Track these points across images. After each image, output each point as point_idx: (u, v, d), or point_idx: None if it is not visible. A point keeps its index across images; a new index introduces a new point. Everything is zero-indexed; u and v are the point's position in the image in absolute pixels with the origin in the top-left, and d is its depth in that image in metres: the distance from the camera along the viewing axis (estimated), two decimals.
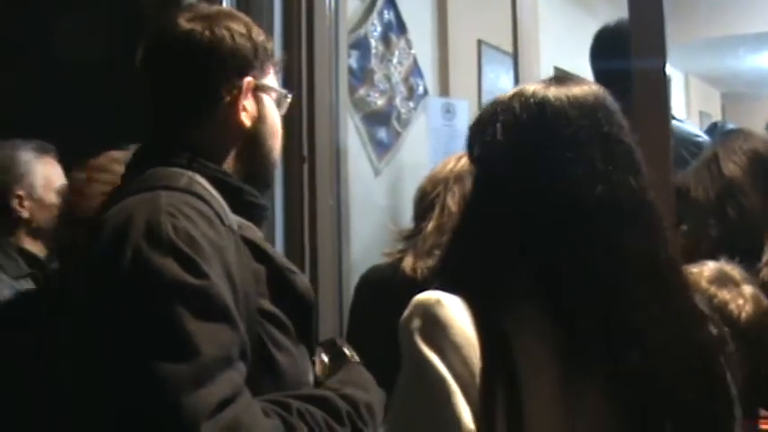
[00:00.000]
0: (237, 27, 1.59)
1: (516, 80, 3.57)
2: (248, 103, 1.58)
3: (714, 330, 1.36)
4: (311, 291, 1.55)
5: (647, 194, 1.36)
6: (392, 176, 3.41)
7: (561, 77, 1.43)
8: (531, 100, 1.35)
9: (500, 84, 3.96)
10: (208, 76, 1.57)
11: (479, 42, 3.87)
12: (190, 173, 1.49)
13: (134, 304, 1.31)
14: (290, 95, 1.69)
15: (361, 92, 3.29)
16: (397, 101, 3.44)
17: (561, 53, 4.52)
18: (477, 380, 1.25)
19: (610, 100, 1.40)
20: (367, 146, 3.32)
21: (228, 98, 1.56)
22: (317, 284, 2.95)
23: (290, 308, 1.48)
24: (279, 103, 1.66)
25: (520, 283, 1.30)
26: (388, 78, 3.40)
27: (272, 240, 2.91)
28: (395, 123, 3.42)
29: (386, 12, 3.38)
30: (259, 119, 1.60)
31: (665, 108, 2.13)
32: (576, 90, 1.37)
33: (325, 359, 1.60)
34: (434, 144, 3.43)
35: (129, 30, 2.59)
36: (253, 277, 1.44)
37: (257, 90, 1.60)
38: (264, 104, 1.61)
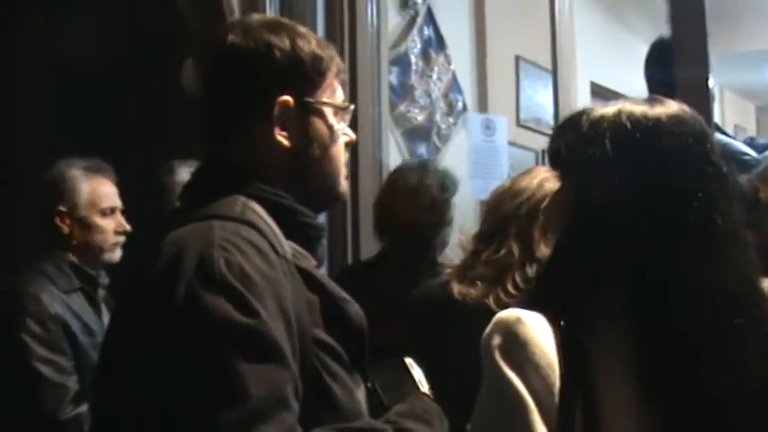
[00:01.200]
0: (277, 39, 1.53)
1: (555, 96, 3.67)
2: (289, 121, 1.52)
3: None
4: (363, 318, 1.52)
5: (742, 228, 1.35)
6: None
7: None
8: (644, 118, 1.34)
9: (537, 99, 4.01)
10: (240, 93, 1.53)
11: (517, 58, 3.93)
12: (243, 198, 1.47)
13: (184, 345, 1.30)
14: (350, 107, 1.62)
15: (402, 108, 3.34)
16: (437, 116, 3.50)
17: (598, 69, 4.57)
18: (556, 399, 1.26)
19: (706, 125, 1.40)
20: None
21: (261, 117, 1.51)
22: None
23: (343, 337, 1.46)
24: (339, 118, 1.58)
25: (605, 302, 1.30)
26: (428, 94, 3.46)
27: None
28: (435, 139, 3.48)
29: (425, 28, 3.45)
30: (305, 138, 1.54)
31: (708, 121, 2.18)
32: (683, 113, 1.36)
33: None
34: (475, 159, 3.47)
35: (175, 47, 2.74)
36: (307, 307, 1.42)
37: (303, 106, 1.53)
38: (312, 122, 1.55)
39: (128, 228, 2.69)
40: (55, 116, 3.68)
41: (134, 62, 3.37)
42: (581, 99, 4.13)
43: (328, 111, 1.56)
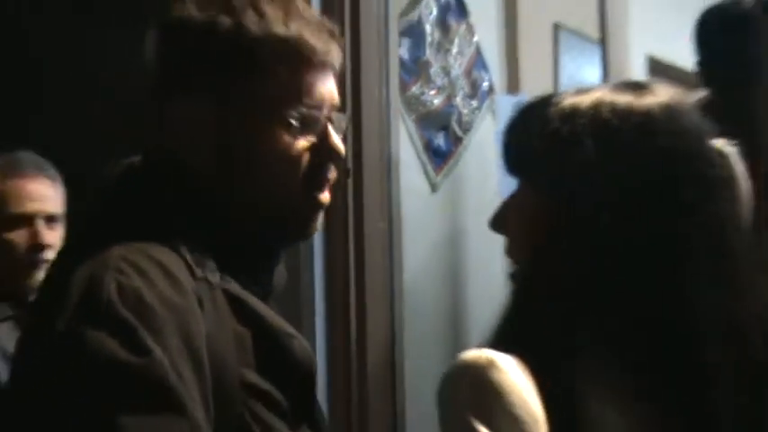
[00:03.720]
0: (270, 8, 1.41)
1: (605, 73, 3.54)
2: (227, 116, 1.40)
3: None
4: (312, 358, 1.43)
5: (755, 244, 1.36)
6: (452, 192, 3.28)
7: (642, 84, 1.37)
8: (631, 112, 1.28)
9: (581, 76, 3.80)
10: (176, 71, 1.42)
11: (555, 27, 3.71)
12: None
13: (56, 391, 1.22)
14: (321, 113, 1.44)
15: (414, 89, 3.14)
16: (458, 99, 3.30)
17: (657, 39, 4.41)
18: None
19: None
20: (422, 155, 3.18)
21: (200, 106, 1.40)
22: (364, 321, 2.85)
23: (284, 380, 1.36)
24: (308, 122, 1.43)
25: (596, 338, 1.25)
26: (446, 72, 3.26)
27: (310, 270, 2.81)
28: (455, 127, 3.27)
29: None
30: (244, 140, 1.41)
31: None
32: (677, 104, 1.32)
33: None
34: None
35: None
36: (235, 343, 1.33)
37: (287, 105, 1.40)
38: (256, 123, 1.41)
39: (46, 241, 2.44)
40: None
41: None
42: (636, 77, 3.92)
43: (285, 114, 1.41)
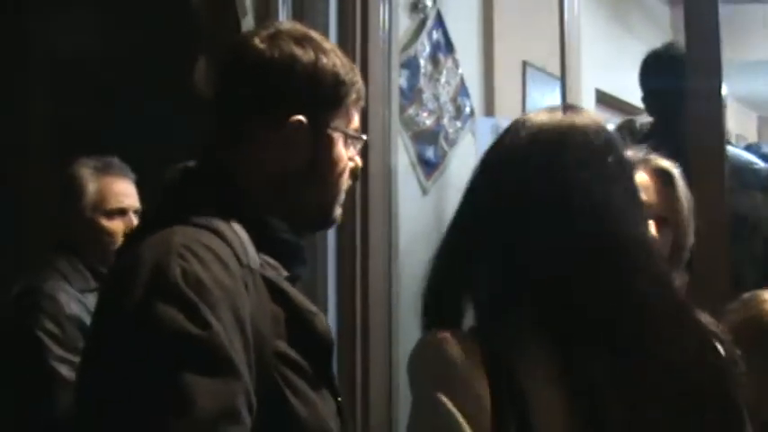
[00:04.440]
0: (302, 54, 1.57)
1: (563, 101, 3.72)
2: (298, 140, 1.56)
3: (718, 355, 1.40)
4: (330, 332, 1.56)
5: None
6: (439, 195, 3.53)
7: (572, 106, 1.50)
8: (536, 127, 1.40)
9: (543, 104, 3.93)
10: (254, 102, 1.56)
11: (524, 63, 4.02)
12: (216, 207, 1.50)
13: (132, 354, 1.32)
14: (363, 137, 1.67)
15: (410, 111, 3.42)
16: (445, 120, 3.57)
17: (603, 75, 4.71)
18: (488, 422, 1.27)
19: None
20: (415, 165, 3.44)
21: (272, 131, 1.55)
22: (367, 298, 3.11)
23: (308, 350, 1.48)
24: (349, 145, 1.63)
25: (522, 316, 1.33)
26: (436, 98, 3.53)
27: (324, 263, 3.05)
28: (442, 143, 3.55)
29: (435, 31, 3.53)
30: (310, 161, 1.58)
31: (719, 129, 2.31)
32: (602, 124, 1.44)
33: None
34: None
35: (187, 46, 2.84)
36: (271, 320, 1.44)
37: (315, 129, 1.57)
38: (322, 147, 1.59)
39: None
40: (57, 113, 3.75)
41: (142, 59, 3.47)
42: (587, 106, 4.13)
43: (340, 137, 1.60)
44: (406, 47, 3.43)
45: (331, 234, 3.05)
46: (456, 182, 3.56)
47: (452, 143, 3.62)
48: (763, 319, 2.01)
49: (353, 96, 1.62)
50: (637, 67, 3.47)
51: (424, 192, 3.51)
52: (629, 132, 3.94)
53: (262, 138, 1.56)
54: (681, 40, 3.28)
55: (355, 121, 1.63)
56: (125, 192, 2.79)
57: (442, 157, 3.56)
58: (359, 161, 1.66)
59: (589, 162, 1.39)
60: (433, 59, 3.55)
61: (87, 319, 2.56)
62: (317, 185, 1.60)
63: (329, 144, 1.59)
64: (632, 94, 4.97)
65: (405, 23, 3.41)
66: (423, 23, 3.49)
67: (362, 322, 3.15)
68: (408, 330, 3.16)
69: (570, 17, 3.67)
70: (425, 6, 3.49)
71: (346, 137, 1.62)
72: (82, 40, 3.66)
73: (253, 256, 1.47)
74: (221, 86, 1.62)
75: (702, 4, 2.36)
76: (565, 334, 1.32)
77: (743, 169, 3.04)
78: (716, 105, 2.38)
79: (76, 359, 2.43)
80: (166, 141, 3.06)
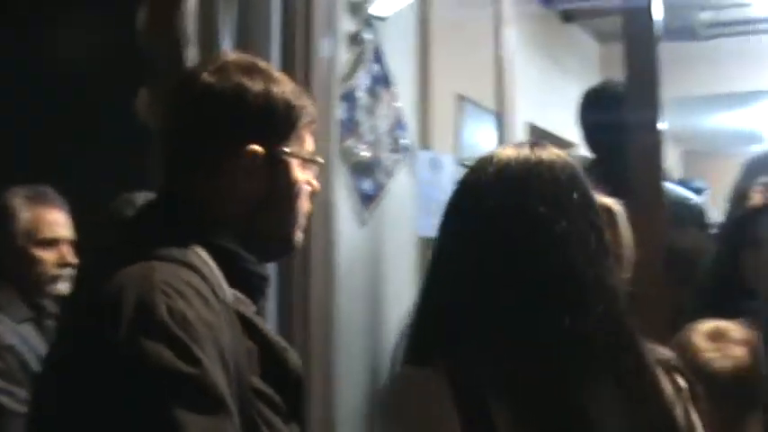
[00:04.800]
0: (251, 84, 1.57)
1: (501, 136, 3.91)
2: (254, 169, 1.56)
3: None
4: (301, 367, 1.55)
5: (614, 278, 1.48)
6: (376, 226, 3.56)
7: (538, 142, 1.55)
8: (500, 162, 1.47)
9: (476, 138, 4.18)
10: (208, 134, 1.57)
11: (459, 97, 4.08)
12: (188, 245, 1.48)
13: (123, 392, 1.30)
14: (318, 160, 1.68)
15: (349, 143, 3.44)
16: (383, 153, 3.60)
17: (535, 110, 4.81)
18: None
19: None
20: (354, 196, 3.46)
21: (227, 161, 1.56)
22: (307, 340, 3.12)
23: (281, 385, 1.47)
24: (305, 168, 1.63)
25: (491, 352, 1.38)
26: (374, 131, 3.56)
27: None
28: (380, 175, 3.58)
29: (374, 64, 3.56)
30: (268, 188, 1.58)
31: (658, 164, 2.41)
32: (568, 160, 1.51)
33: None
34: (424, 196, 3.65)
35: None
36: (246, 355, 1.43)
37: (270, 156, 1.57)
38: (278, 173, 1.59)
39: (71, 261, 2.69)
40: None
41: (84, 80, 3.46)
42: (518, 139, 4.18)
43: (295, 162, 1.60)
44: (346, 78, 3.45)
45: (271, 264, 3.02)
46: (394, 213, 3.66)
47: (390, 175, 3.65)
48: (695, 354, 2.09)
49: (306, 120, 1.63)
50: (568, 103, 3.57)
51: (362, 223, 3.52)
52: None
53: (218, 169, 1.57)
54: (611, 77, 3.54)
55: (309, 144, 1.64)
56: (58, 221, 2.78)
57: (379, 188, 3.58)
58: (316, 184, 1.68)
59: (554, 198, 1.44)
60: (372, 92, 3.57)
61: (25, 350, 2.56)
62: (277, 212, 1.60)
63: (285, 170, 1.60)
64: (564, 128, 5.14)
65: (345, 56, 3.45)
66: (362, 56, 3.52)
67: (302, 351, 3.07)
68: (347, 358, 3.31)
69: (506, 53, 3.73)
70: (364, 39, 3.52)
71: (302, 161, 1.62)
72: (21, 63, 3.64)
73: (227, 290, 1.48)
74: (172, 119, 1.63)
75: (641, 43, 2.44)
76: (520, 374, 1.36)
77: (678, 204, 3.12)
78: (655, 140, 2.45)
79: (17, 390, 2.47)
80: (102, 172, 3.23)
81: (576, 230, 1.43)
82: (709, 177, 5.41)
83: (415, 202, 3.71)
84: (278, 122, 1.59)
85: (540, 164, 1.47)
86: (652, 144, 2.45)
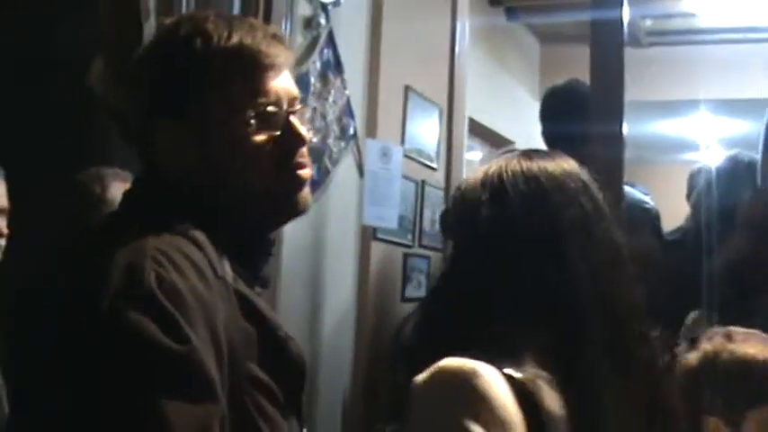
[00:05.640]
0: (206, 34, 1.45)
1: (449, 130, 4.07)
2: (210, 125, 1.44)
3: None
4: (303, 357, 1.45)
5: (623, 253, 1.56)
6: (319, 212, 3.53)
7: (551, 152, 1.63)
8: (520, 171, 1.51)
9: (421, 130, 4.19)
10: (158, 93, 1.46)
11: (406, 88, 4.08)
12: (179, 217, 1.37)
13: (101, 369, 1.18)
14: (292, 109, 1.51)
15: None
16: (330, 139, 3.58)
17: (475, 105, 4.86)
18: None
19: None
20: None
21: (185, 121, 1.45)
22: None
23: (280, 375, 1.38)
24: (270, 120, 1.47)
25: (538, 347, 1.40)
26: (323, 117, 3.53)
27: None
28: (326, 162, 3.56)
29: (326, 50, 3.54)
30: (226, 146, 1.45)
31: (620, 170, 2.45)
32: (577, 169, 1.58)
33: None
34: (371, 186, 3.65)
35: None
36: (243, 338, 1.33)
37: (223, 110, 1.44)
38: (234, 127, 1.45)
39: (4, 231, 2.59)
40: None
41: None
42: (461, 134, 4.40)
43: (252, 115, 1.46)
44: (298, 62, 3.42)
45: None
46: (336, 202, 3.64)
47: (335, 162, 3.63)
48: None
49: (264, 63, 1.46)
50: (508, 99, 3.55)
51: None
52: None
53: (176, 133, 1.45)
54: (551, 77, 3.54)
55: (274, 88, 1.48)
56: None
57: (324, 175, 3.56)
58: (297, 130, 1.50)
59: (571, 204, 1.50)
60: (323, 78, 3.55)
61: None
62: (245, 174, 1.45)
63: (244, 125, 1.45)
64: (503, 125, 5.21)
65: (298, 40, 3.43)
66: (315, 41, 3.50)
67: None
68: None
69: (460, 50, 3.75)
70: (319, 24, 3.50)
71: (263, 114, 1.46)
72: None
73: (226, 267, 1.38)
74: (124, 85, 1.57)
75: (607, 49, 2.47)
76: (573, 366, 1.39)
77: (635, 207, 3.16)
78: (618, 146, 2.49)
79: None
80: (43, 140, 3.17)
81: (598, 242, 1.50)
82: (649, 183, 5.52)
83: (357, 191, 3.71)
84: (229, 72, 1.45)
85: (568, 175, 1.53)
86: (615, 149, 2.48)
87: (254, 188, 1.46)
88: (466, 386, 1.29)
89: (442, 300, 1.51)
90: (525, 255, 1.43)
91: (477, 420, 1.26)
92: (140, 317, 1.19)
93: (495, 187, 1.49)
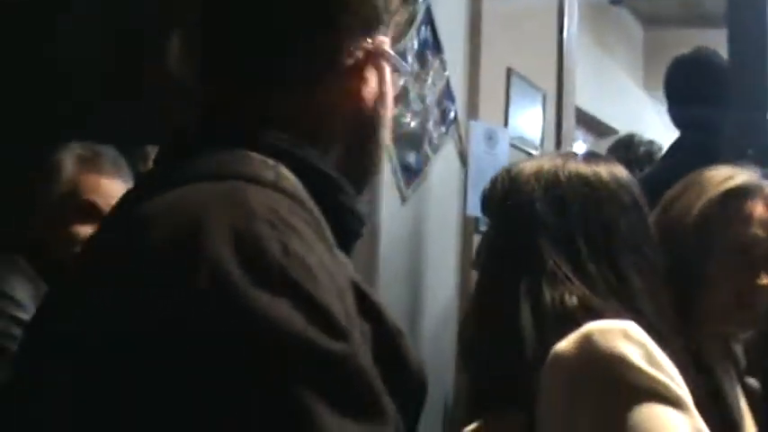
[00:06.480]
0: None
1: (558, 120, 3.89)
2: (371, 73, 1.20)
3: None
4: (425, 372, 1.08)
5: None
6: (418, 203, 3.34)
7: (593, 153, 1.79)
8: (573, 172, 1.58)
9: (524, 115, 3.99)
10: (324, 26, 1.15)
11: (509, 70, 3.87)
12: (272, 161, 1.02)
13: (225, 374, 0.82)
14: (405, 70, 1.35)
15: (395, 111, 3.11)
16: (430, 124, 3.36)
17: (583, 95, 4.63)
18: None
19: None
20: (396, 170, 3.20)
21: (350, 62, 1.16)
22: None
23: (396, 390, 0.96)
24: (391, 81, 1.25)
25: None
26: (422, 99, 3.30)
27: None
28: (426, 148, 3.34)
29: (423, 28, 3.31)
30: (379, 97, 1.21)
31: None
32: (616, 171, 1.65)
33: None
34: (475, 172, 3.42)
35: None
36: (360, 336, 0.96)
37: (380, 57, 1.21)
38: (385, 79, 1.22)
39: None
40: None
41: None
42: (570, 123, 4.22)
43: (386, 62, 1.25)
44: (394, 42, 3.20)
45: None
46: (436, 191, 3.44)
47: (435, 149, 3.41)
48: None
49: (392, 13, 1.25)
50: (613, 85, 3.65)
51: (403, 200, 3.27)
52: (626, 148, 3.85)
53: (309, 79, 1.15)
54: (656, 63, 3.32)
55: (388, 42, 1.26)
56: (110, 193, 2.37)
57: (424, 163, 3.34)
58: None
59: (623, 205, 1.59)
60: (421, 58, 3.32)
61: None
62: (379, 132, 1.21)
63: (384, 77, 1.22)
64: (609, 113, 4.97)
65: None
66: (413, 18, 3.25)
67: None
68: None
69: (568, 36, 3.53)
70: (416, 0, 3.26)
71: (394, 69, 1.26)
72: None
73: (334, 243, 1.04)
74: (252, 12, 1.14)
75: (748, 23, 2.26)
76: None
77: None
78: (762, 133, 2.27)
79: None
80: None
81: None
82: None
83: (459, 180, 3.50)
84: (386, 15, 1.23)
85: (623, 188, 1.61)
86: (760, 135, 2.25)
87: (379, 158, 1.30)
88: (640, 342, 1.36)
89: (495, 293, 1.57)
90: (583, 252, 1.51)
91: (664, 371, 1.34)
92: (276, 300, 0.84)
93: (550, 184, 1.55)
